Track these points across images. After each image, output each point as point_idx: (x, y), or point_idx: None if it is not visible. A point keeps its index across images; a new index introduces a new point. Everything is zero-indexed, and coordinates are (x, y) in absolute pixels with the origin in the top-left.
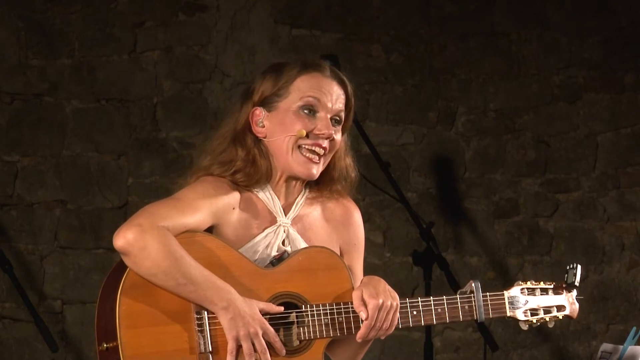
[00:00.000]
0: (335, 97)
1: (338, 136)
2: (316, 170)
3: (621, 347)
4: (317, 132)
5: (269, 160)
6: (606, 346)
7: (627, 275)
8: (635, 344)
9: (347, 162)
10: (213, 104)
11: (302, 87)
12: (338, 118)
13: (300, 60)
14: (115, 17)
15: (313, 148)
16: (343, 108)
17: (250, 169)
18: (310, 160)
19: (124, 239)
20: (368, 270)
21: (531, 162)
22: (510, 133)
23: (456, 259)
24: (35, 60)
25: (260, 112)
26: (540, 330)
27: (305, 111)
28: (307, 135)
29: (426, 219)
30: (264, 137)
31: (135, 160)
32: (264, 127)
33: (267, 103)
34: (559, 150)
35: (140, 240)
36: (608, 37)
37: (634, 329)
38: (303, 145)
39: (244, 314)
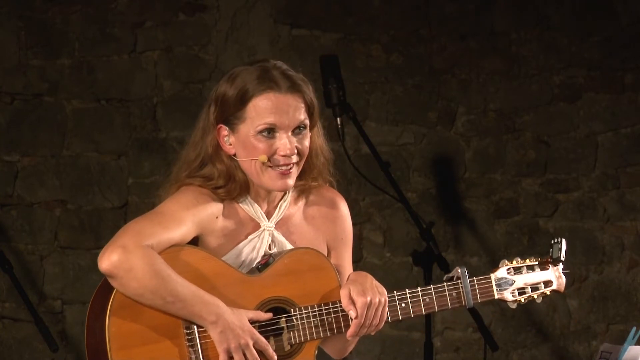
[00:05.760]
0: (292, 111)
1: (305, 142)
2: (291, 181)
3: (621, 347)
4: (280, 153)
5: (245, 174)
6: (606, 346)
7: (627, 275)
8: (635, 344)
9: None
10: None
11: (257, 111)
12: (302, 126)
13: (255, 73)
14: (115, 17)
15: (281, 168)
16: (304, 116)
17: (230, 185)
18: (282, 173)
19: (109, 261)
20: (368, 270)
21: (531, 162)
22: (510, 133)
23: (456, 259)
24: (35, 60)
25: (224, 130)
26: (540, 330)
27: (264, 134)
28: (269, 160)
29: (426, 219)
30: (234, 155)
31: (135, 160)
32: (231, 145)
33: (228, 122)
34: (559, 150)
35: (125, 262)
36: (608, 37)
37: (634, 329)
38: (270, 167)
39: (233, 326)
